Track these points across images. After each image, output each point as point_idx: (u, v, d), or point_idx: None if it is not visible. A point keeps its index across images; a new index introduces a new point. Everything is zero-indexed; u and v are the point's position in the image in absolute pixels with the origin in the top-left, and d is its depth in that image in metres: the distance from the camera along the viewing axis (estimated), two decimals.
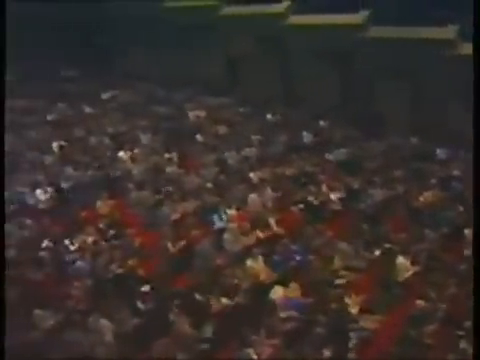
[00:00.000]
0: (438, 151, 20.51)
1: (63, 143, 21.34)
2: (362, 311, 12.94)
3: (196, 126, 23.65)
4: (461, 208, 16.71)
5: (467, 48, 19.09)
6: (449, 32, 21.83)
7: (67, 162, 20.08)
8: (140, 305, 13.05)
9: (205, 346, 12.03)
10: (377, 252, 15.07)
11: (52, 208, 17.13)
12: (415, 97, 22.72)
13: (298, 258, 14.62)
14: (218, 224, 16.33)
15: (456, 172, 18.81)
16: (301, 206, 17.19)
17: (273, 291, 13.42)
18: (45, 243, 15.05)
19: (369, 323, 12.60)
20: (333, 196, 17.67)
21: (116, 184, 18.60)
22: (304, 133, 22.58)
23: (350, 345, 12.01)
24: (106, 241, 15.40)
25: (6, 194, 17.18)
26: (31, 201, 17.43)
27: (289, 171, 19.41)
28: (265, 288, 13.57)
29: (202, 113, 24.80)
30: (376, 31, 23.46)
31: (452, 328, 12.16)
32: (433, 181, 18.60)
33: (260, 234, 15.72)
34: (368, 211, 16.99)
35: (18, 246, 14.92)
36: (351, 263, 14.64)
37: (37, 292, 13.27)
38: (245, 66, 26.84)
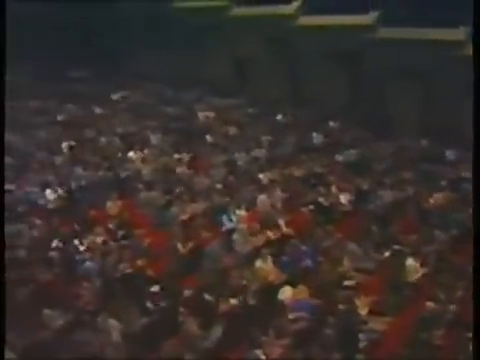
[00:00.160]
0: (448, 152, 20.47)
1: (73, 143, 21.43)
2: (371, 313, 12.91)
3: (206, 127, 23.71)
4: (471, 210, 16.64)
5: None
6: (459, 33, 21.76)
7: (77, 162, 20.15)
8: (149, 305, 13.04)
9: (214, 347, 12.02)
10: (386, 253, 15.03)
11: (62, 208, 17.16)
12: (425, 98, 22.69)
13: (307, 259, 14.59)
14: (227, 225, 16.34)
15: (466, 174, 18.72)
16: (310, 207, 17.19)
17: (282, 292, 13.41)
18: (55, 243, 15.07)
19: (378, 325, 12.57)
20: (342, 197, 17.66)
21: (126, 184, 18.64)
22: (314, 134, 22.62)
23: (359, 347, 11.97)
24: (115, 241, 15.42)
25: (16, 194, 17.33)
26: (41, 201, 17.47)
27: (298, 172, 19.41)
28: (274, 289, 13.55)
29: (211, 114, 24.87)
30: (386, 32, 23.45)
31: (461, 330, 12.10)
32: (443, 183, 18.56)
33: (269, 235, 15.71)
34: (378, 212, 16.95)
35: (28, 246, 14.95)
36: (360, 264, 14.61)
37: (46, 292, 13.27)
38: (254, 67, 26.89)
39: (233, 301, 13.07)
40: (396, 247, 15.13)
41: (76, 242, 15.14)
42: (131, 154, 20.79)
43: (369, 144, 21.89)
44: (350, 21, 24.16)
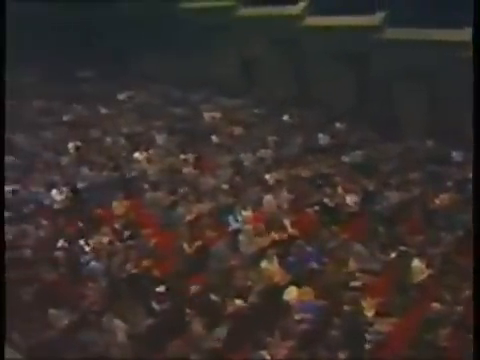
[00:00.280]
0: (454, 153, 20.42)
1: (79, 144, 21.43)
2: (377, 314, 12.89)
3: (211, 127, 23.71)
4: None
5: None
6: (465, 34, 21.66)
7: (83, 162, 20.17)
8: (155, 305, 13.05)
9: (219, 347, 12.02)
10: (392, 254, 15.02)
11: (68, 208, 17.16)
12: (431, 99, 22.65)
13: (313, 260, 14.57)
14: (233, 225, 16.34)
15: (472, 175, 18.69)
16: (316, 208, 17.16)
17: (287, 292, 13.39)
18: (60, 243, 15.06)
19: (384, 326, 12.56)
20: (349, 198, 17.63)
21: (132, 185, 18.65)
22: (320, 135, 22.60)
23: (365, 348, 11.95)
24: (121, 241, 15.41)
25: (22, 194, 17.35)
26: (47, 201, 17.48)
27: (305, 173, 19.40)
28: (279, 290, 13.54)
29: (217, 114, 24.87)
30: (392, 33, 23.43)
31: (467, 331, 12.07)
32: (449, 184, 18.52)
33: (275, 236, 15.70)
34: (384, 213, 16.92)
35: (34, 246, 14.96)
36: (366, 265, 14.59)
37: (52, 292, 13.29)
38: (261, 67, 26.88)
39: (239, 302, 13.06)
40: (402, 248, 15.10)
41: (82, 242, 15.13)
42: (137, 154, 20.80)
43: (375, 145, 21.88)
44: (356, 22, 24.15)
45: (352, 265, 14.54)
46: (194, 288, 13.54)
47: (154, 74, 27.94)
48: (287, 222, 16.24)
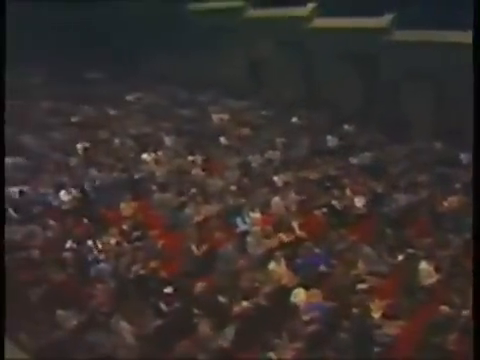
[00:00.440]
0: (462, 155, 20.34)
1: (87, 145, 21.47)
2: (385, 316, 12.85)
3: (219, 129, 23.73)
4: None
5: None
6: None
7: (91, 164, 20.21)
8: (162, 306, 13.05)
9: (227, 349, 12.01)
10: (400, 257, 14.97)
11: (76, 209, 17.20)
12: (439, 101, 22.61)
13: (321, 262, 14.55)
14: (241, 227, 16.34)
15: None
16: (324, 210, 17.14)
17: (295, 294, 13.37)
18: (68, 244, 15.10)
19: (392, 328, 12.52)
20: (357, 200, 17.61)
21: (139, 186, 18.67)
22: (328, 137, 22.58)
23: (373, 350, 11.93)
24: (129, 242, 15.43)
25: (30, 195, 17.39)
26: (55, 202, 17.52)
27: (313, 175, 19.39)
28: (287, 291, 13.53)
29: (225, 116, 24.90)
30: (400, 35, 23.42)
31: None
32: (457, 186, 18.44)
33: (283, 237, 15.70)
34: (392, 215, 16.88)
35: (42, 247, 14.98)
36: (374, 268, 14.55)
37: (60, 293, 13.29)
38: (269, 69, 26.89)
39: (246, 303, 13.05)
40: (410, 250, 15.06)
41: (90, 243, 15.15)
42: (145, 156, 20.83)
43: (384, 147, 21.84)
44: (364, 23, 24.14)
45: (360, 267, 14.50)
46: (202, 289, 13.53)
47: (162, 75, 27.98)
48: (295, 224, 16.22)
